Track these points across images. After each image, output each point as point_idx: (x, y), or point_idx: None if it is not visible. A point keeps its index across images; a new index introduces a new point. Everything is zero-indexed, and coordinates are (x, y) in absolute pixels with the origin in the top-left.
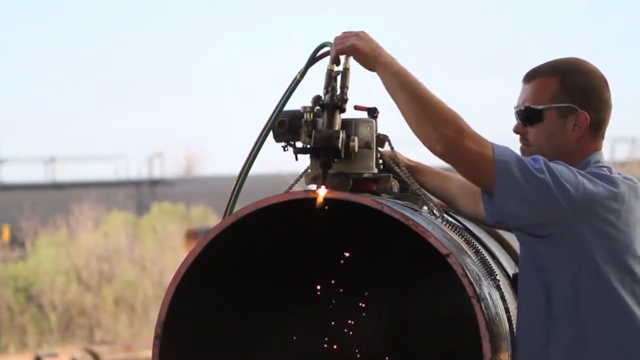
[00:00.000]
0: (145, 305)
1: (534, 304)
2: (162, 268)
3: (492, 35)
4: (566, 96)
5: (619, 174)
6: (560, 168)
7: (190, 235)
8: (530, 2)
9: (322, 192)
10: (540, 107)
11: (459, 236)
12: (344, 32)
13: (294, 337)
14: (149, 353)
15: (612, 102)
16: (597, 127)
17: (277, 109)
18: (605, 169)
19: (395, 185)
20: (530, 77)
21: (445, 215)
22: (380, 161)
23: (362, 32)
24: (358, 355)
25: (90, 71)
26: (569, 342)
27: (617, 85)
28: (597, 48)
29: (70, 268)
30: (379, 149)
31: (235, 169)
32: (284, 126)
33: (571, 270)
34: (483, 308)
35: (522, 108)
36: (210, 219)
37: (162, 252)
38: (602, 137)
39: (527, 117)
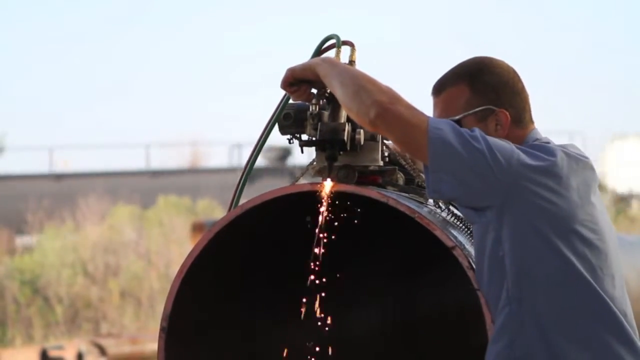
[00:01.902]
0: (151, 298)
1: (491, 284)
2: (168, 261)
3: (492, 34)
4: (479, 100)
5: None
6: (496, 139)
7: (196, 227)
8: (530, 2)
9: (328, 185)
10: (456, 118)
11: (464, 228)
12: None
13: (299, 328)
14: (155, 346)
15: (526, 90)
16: (520, 117)
17: (282, 101)
18: (539, 141)
19: (400, 178)
20: (438, 89)
21: (450, 208)
22: (386, 153)
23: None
24: (361, 347)
25: (92, 66)
26: (517, 316)
27: (617, 82)
28: (597, 46)
29: (76, 261)
30: (385, 141)
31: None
32: (290, 119)
33: (518, 242)
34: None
35: None
36: (216, 212)
37: (168, 245)
38: (530, 121)
39: None
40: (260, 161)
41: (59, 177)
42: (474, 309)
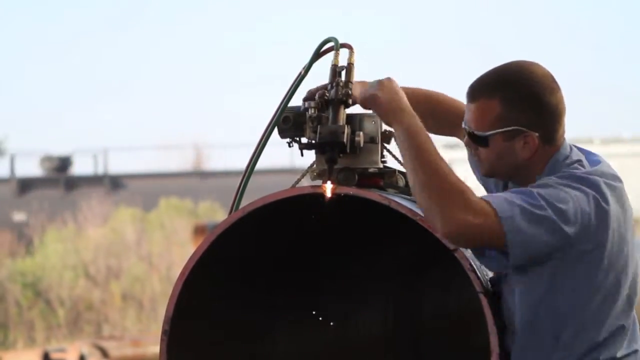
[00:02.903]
0: (153, 301)
1: (539, 339)
2: (170, 263)
3: (490, 32)
4: (509, 120)
5: (593, 155)
6: (554, 194)
7: (198, 230)
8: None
9: (329, 188)
10: (484, 134)
11: None
12: (371, 82)
13: (301, 330)
14: (156, 348)
15: (563, 104)
16: (550, 137)
17: (282, 105)
18: (577, 164)
19: (400, 179)
20: (472, 96)
21: None
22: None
23: (388, 79)
24: (363, 349)
25: (92, 67)
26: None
27: (617, 82)
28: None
29: (78, 263)
30: (385, 144)
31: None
32: (289, 122)
33: (569, 292)
34: (490, 303)
35: (467, 130)
36: (218, 214)
37: (169, 247)
38: (561, 137)
39: (473, 140)
40: (39, 171)
41: (60, 179)
42: (476, 311)
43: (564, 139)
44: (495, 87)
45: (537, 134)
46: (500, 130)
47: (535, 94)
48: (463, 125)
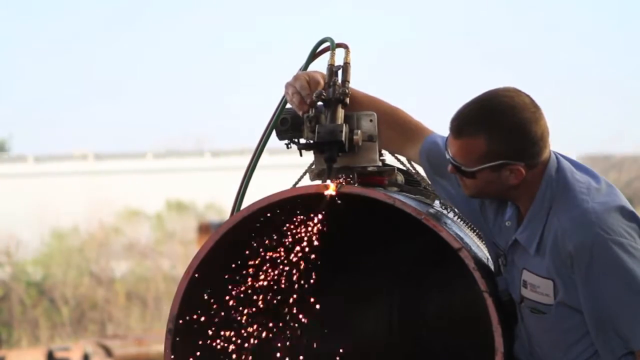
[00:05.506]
0: (157, 300)
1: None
2: (174, 262)
3: (490, 30)
4: (495, 155)
5: (567, 157)
6: (630, 275)
7: (203, 229)
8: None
9: (332, 187)
10: (470, 169)
11: (471, 230)
12: None
13: (304, 330)
14: (161, 347)
15: (546, 129)
16: (536, 163)
17: (279, 106)
18: (579, 178)
19: (399, 176)
20: (456, 133)
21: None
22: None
23: None
24: (366, 347)
25: (92, 67)
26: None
27: (614, 81)
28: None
29: (82, 262)
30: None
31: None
32: (287, 123)
33: None
34: (495, 302)
35: (453, 162)
36: (222, 213)
37: (174, 246)
38: (547, 156)
39: (460, 172)
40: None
41: None
42: (480, 309)
43: (549, 152)
44: (479, 125)
45: (522, 164)
46: (486, 165)
47: (519, 129)
48: (448, 157)
